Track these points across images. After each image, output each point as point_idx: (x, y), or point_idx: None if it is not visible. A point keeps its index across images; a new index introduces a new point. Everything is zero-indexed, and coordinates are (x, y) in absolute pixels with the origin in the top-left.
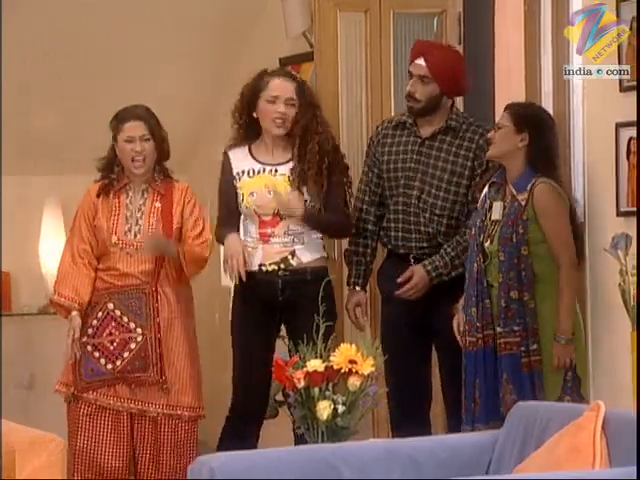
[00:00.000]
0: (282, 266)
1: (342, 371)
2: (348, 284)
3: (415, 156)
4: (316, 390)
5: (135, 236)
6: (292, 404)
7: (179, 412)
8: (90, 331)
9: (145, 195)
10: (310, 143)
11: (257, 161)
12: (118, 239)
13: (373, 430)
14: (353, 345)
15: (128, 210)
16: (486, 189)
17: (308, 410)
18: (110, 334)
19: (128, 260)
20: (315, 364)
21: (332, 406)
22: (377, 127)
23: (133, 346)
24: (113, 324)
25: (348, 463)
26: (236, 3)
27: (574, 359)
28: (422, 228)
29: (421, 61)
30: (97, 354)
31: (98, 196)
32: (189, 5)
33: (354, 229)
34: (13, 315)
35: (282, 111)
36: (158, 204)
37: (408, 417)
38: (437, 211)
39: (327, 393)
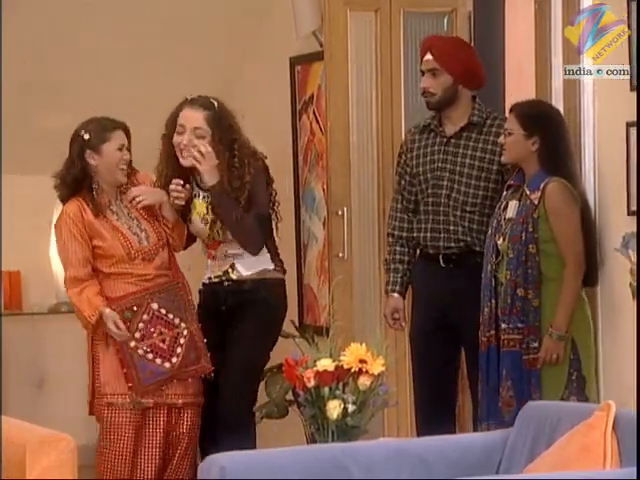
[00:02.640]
0: (224, 278)
1: (352, 370)
2: (386, 291)
3: (442, 156)
4: (326, 389)
5: (147, 241)
6: (302, 403)
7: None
8: (138, 335)
9: (124, 203)
10: (228, 172)
11: (195, 184)
12: (136, 251)
13: (383, 429)
14: (363, 345)
15: (125, 223)
16: (505, 191)
17: (318, 409)
18: (160, 333)
19: (149, 264)
20: (325, 363)
21: (342, 405)
22: (406, 134)
23: (182, 341)
24: (161, 323)
25: (358, 462)
26: (245, 3)
27: (562, 356)
28: (451, 227)
29: (428, 56)
30: (151, 355)
31: (96, 216)
32: (197, 5)
33: (390, 237)
34: (23, 314)
35: (182, 141)
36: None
37: (433, 415)
38: (468, 208)
39: (337, 392)
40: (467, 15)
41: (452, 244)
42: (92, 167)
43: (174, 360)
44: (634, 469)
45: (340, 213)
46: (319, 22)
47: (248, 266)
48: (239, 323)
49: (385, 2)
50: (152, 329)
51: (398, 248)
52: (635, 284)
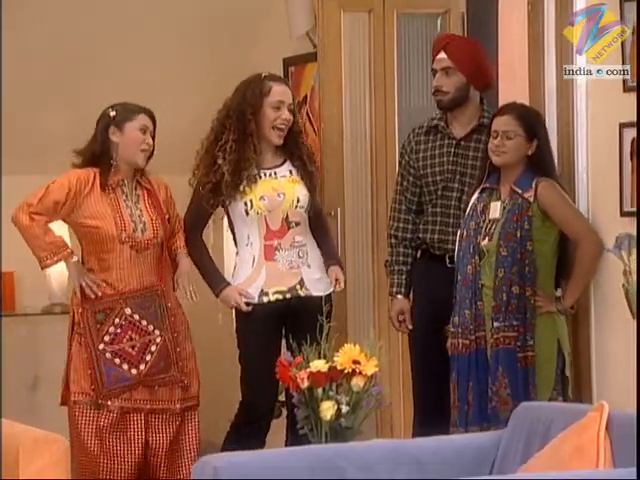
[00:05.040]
0: (288, 296)
1: (346, 371)
2: (390, 293)
3: (452, 158)
4: (320, 390)
5: (142, 233)
6: (296, 404)
7: (192, 403)
8: (107, 338)
9: (137, 191)
10: (300, 144)
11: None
12: (128, 237)
13: (377, 430)
14: (357, 345)
15: (127, 207)
16: (476, 194)
17: (312, 410)
18: (131, 339)
19: (136, 259)
20: (319, 364)
21: (336, 406)
22: (408, 135)
23: (153, 348)
24: (132, 329)
25: (352, 463)
26: (240, 3)
27: (548, 308)
28: None
29: (442, 54)
30: (118, 360)
31: (103, 190)
32: (192, 6)
33: (393, 239)
34: (17, 315)
35: (286, 117)
36: (147, 199)
37: (431, 415)
38: None
39: (331, 393)
40: (460, 16)
41: None
42: (113, 144)
43: (141, 367)
44: (634, 469)
45: (334, 214)
46: (312, 23)
47: (317, 279)
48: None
49: (379, 3)
50: (123, 334)
51: (401, 250)
52: (628, 285)
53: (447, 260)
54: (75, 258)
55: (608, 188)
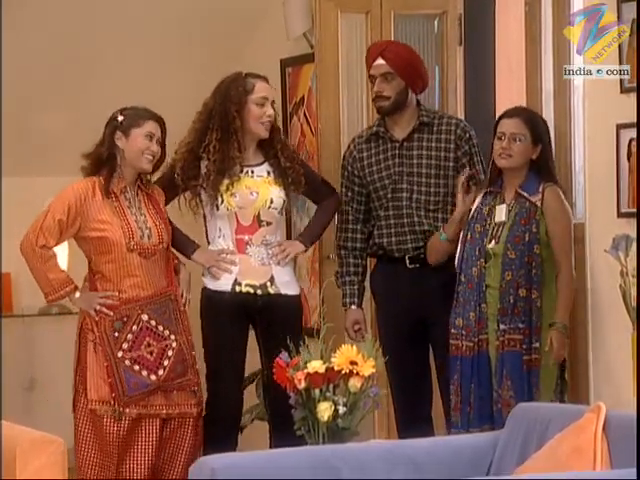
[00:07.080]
0: (259, 292)
1: (343, 372)
2: (344, 304)
3: (397, 159)
4: (317, 391)
5: (148, 239)
6: (293, 405)
7: (201, 408)
8: (126, 345)
9: (139, 197)
10: (279, 142)
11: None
12: (136, 244)
13: (374, 431)
14: (354, 346)
15: (132, 214)
16: (480, 198)
17: (309, 411)
18: (148, 345)
19: (145, 265)
20: (316, 365)
21: (333, 407)
22: (349, 145)
23: (170, 353)
24: (150, 335)
25: (349, 464)
26: (237, 5)
27: (564, 354)
28: (417, 228)
29: (380, 60)
30: (137, 367)
31: (104, 195)
32: (190, 6)
33: (342, 250)
34: (14, 316)
35: (271, 113)
36: (149, 204)
37: (412, 417)
38: (431, 207)
39: (328, 394)
40: (458, 17)
41: (421, 243)
42: (119, 149)
43: (160, 373)
44: (632, 470)
45: None
46: (310, 24)
47: (286, 280)
48: (274, 340)
49: (376, 4)
50: (140, 340)
51: (352, 260)
52: (625, 286)
53: (407, 261)
54: (78, 294)
55: (605, 189)
